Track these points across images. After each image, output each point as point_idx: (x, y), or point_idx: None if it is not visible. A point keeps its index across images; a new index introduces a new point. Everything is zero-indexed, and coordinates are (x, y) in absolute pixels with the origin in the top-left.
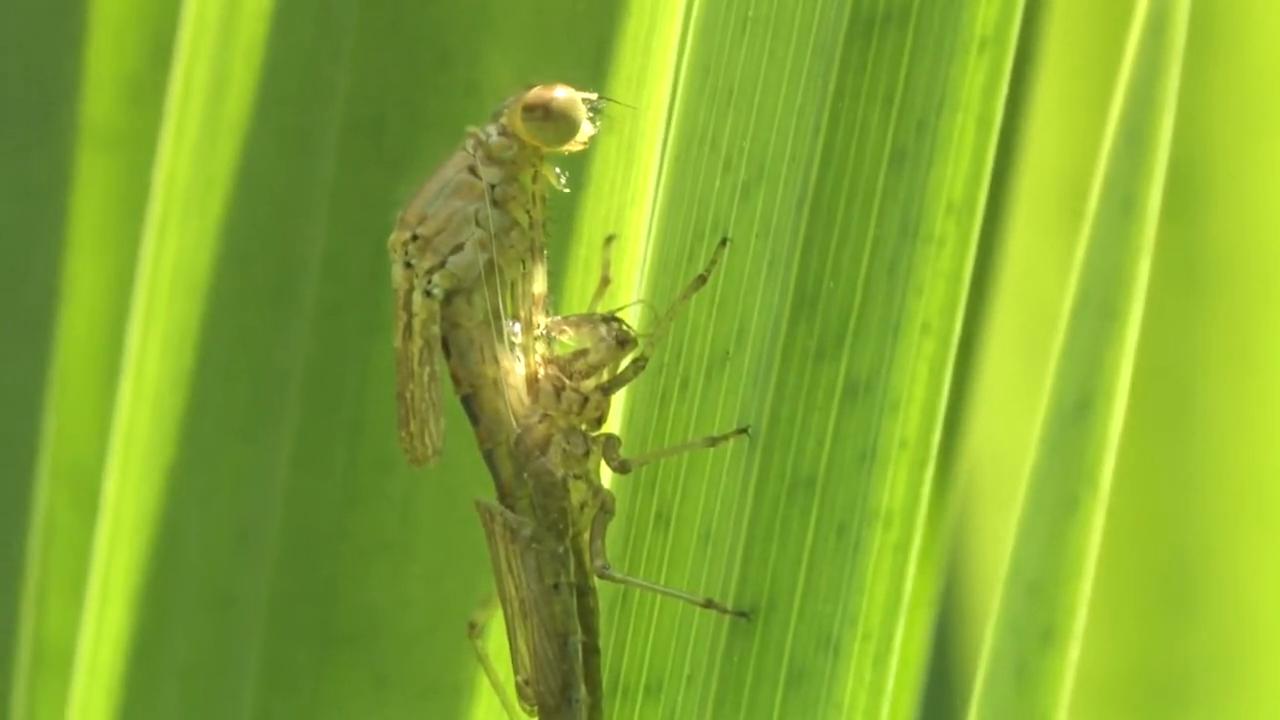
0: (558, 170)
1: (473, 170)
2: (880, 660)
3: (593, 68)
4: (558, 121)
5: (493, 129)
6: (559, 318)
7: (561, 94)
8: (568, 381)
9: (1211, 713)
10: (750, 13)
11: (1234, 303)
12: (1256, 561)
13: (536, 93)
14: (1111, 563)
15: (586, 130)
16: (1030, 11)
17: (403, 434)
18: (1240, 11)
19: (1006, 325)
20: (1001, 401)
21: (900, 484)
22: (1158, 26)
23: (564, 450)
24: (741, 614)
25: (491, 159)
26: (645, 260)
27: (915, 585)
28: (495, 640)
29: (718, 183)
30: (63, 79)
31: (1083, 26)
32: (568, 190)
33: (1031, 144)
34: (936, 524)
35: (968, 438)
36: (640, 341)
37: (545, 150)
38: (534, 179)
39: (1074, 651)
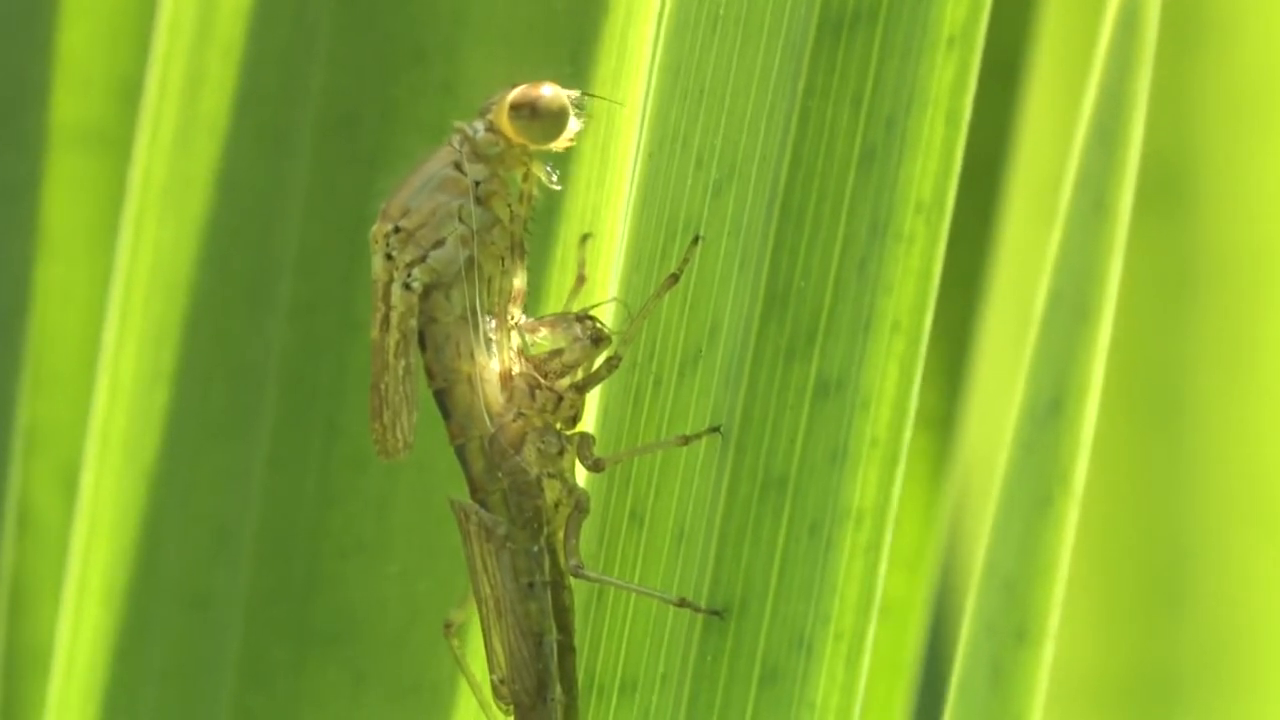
0: (549, 168)
1: (458, 166)
2: (853, 660)
3: (569, 67)
4: (544, 120)
5: (479, 125)
6: (533, 318)
7: (548, 92)
8: (542, 380)
9: (1204, 712)
10: (721, 12)
11: (1224, 300)
12: (1248, 560)
13: (523, 90)
14: (1103, 562)
15: (573, 127)
16: (1020, 7)
17: (375, 426)
18: (1229, 6)
19: (1003, 324)
20: (997, 401)
21: (871, 483)
22: (1129, 24)
23: (538, 449)
24: (715, 613)
25: (477, 155)
26: (620, 258)
27: (907, 586)
28: (473, 640)
29: (689, 181)
30: (37, 78)
31: (1073, 21)
32: (559, 188)
33: (1027, 141)
34: (929, 525)
35: (961, 438)
36: (614, 340)
37: (532, 148)
38: (524, 177)
39: (1049, 651)
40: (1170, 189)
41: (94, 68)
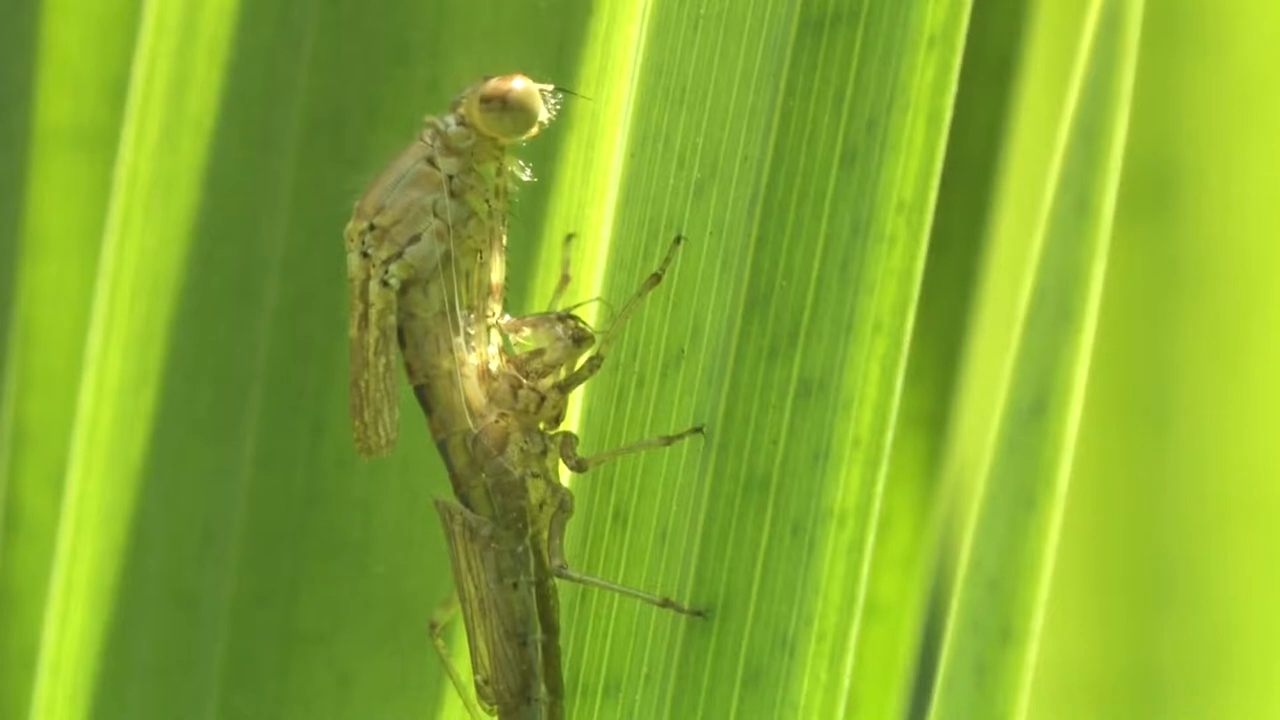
0: (521, 163)
1: (431, 161)
2: (836, 660)
3: (553, 67)
4: (515, 113)
5: (451, 119)
6: (516, 317)
7: (519, 85)
8: (525, 380)
9: (1191, 711)
10: (702, 11)
11: (1212, 301)
12: (1236, 560)
13: (494, 84)
14: (1092, 561)
15: (543, 116)
16: (1012, 7)
17: (356, 423)
18: (1220, 8)
19: (997, 324)
20: (990, 401)
21: (854, 483)
22: (1111, 24)
23: (522, 449)
24: (698, 613)
25: (450, 149)
26: (603, 257)
27: (900, 587)
28: (458, 640)
29: (672, 181)
30: (25, 77)
31: (1066, 20)
32: (534, 180)
33: (1020, 141)
34: (921, 525)
35: (954, 438)
36: (596, 339)
37: (503, 141)
38: (497, 172)
39: (1033, 650)
40: (1160, 192)
41: (82, 67)
